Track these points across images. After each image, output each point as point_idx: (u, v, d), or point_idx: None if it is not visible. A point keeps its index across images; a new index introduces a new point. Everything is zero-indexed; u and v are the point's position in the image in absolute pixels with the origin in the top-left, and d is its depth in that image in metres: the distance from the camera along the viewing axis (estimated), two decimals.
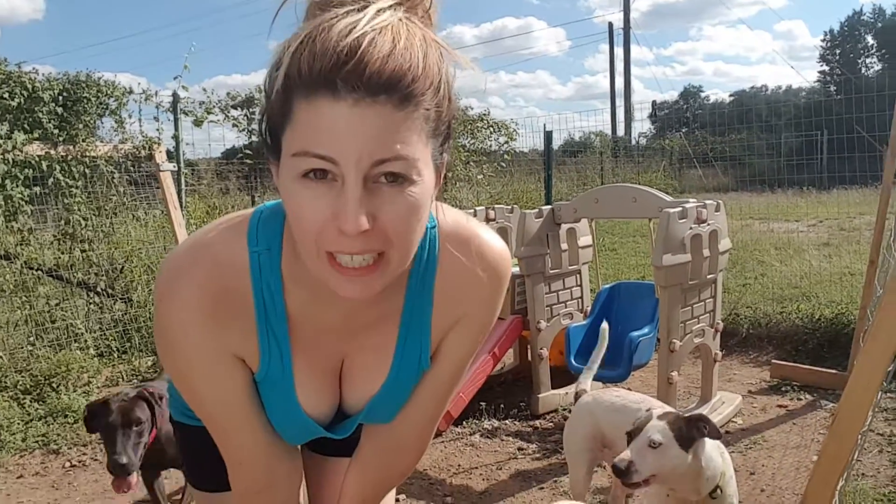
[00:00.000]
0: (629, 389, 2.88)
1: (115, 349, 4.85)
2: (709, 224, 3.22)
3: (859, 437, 1.84)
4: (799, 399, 3.75)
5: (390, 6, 0.75)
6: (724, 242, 3.37)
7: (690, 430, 1.85)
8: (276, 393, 0.98)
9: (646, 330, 3.47)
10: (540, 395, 3.73)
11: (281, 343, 0.94)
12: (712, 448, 1.91)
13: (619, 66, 26.25)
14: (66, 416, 3.80)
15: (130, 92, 5.51)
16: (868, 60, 36.11)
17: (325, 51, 0.71)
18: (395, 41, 0.73)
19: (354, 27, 0.72)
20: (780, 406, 3.69)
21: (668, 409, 2.13)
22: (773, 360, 4.22)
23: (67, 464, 3.35)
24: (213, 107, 5.80)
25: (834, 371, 3.87)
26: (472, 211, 4.23)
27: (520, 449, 3.31)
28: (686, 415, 1.92)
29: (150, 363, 4.71)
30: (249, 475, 1.03)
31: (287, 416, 1.00)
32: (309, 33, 0.73)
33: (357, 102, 0.71)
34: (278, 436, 1.03)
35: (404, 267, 0.83)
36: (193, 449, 1.23)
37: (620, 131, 22.88)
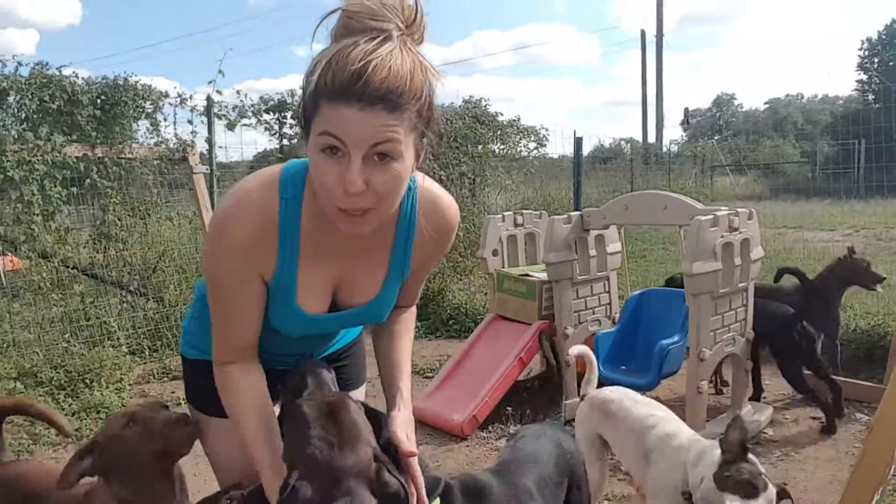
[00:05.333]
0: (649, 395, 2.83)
1: (146, 347, 4.94)
2: (741, 232, 3.18)
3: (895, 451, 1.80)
4: None
5: (395, 35, 1.09)
6: (757, 251, 3.32)
7: None
8: (281, 295, 1.34)
9: (675, 338, 3.43)
10: (567, 402, 3.70)
11: (293, 258, 1.30)
12: None
13: (650, 73, 25.99)
14: (98, 412, 3.87)
15: (166, 95, 5.60)
16: None
17: (343, 71, 1.06)
18: (391, 68, 1.07)
19: (364, 56, 1.06)
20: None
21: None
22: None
23: None
24: (247, 110, 5.87)
25: (869, 383, 3.78)
26: (501, 216, 4.23)
27: None
28: None
29: (180, 362, 4.78)
30: (231, 350, 1.36)
31: (287, 312, 1.36)
32: (335, 55, 1.08)
33: (363, 108, 1.07)
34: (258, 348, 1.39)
35: (388, 216, 1.24)
36: (204, 381, 1.49)
37: (652, 139, 22.66)
